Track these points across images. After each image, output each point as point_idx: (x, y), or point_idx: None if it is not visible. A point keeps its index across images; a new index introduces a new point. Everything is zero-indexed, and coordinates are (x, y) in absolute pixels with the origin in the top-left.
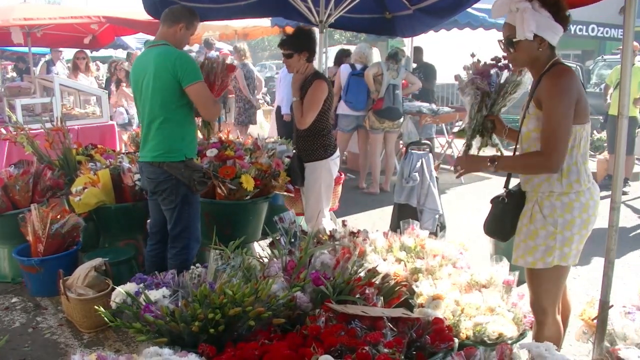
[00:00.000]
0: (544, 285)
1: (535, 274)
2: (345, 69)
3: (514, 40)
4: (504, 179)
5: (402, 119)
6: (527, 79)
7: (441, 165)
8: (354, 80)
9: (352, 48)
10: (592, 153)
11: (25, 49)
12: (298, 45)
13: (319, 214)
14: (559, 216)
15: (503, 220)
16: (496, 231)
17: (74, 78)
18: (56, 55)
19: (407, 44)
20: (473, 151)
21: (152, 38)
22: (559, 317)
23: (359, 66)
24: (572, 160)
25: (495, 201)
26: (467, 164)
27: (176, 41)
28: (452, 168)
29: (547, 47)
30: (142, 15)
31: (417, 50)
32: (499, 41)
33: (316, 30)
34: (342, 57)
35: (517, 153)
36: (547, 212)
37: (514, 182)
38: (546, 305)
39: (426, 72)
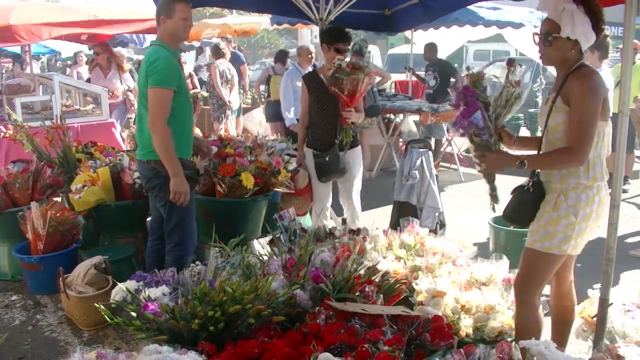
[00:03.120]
0: (541, 269)
1: (541, 257)
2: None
3: (554, 35)
4: (505, 177)
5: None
6: (524, 91)
7: (441, 163)
8: None
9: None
10: None
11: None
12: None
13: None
14: (581, 208)
15: (526, 208)
16: (518, 218)
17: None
18: (24, 55)
19: (417, 42)
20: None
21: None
22: (539, 303)
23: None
24: (597, 153)
25: (519, 190)
26: (496, 161)
27: (168, 35)
28: (474, 160)
29: (578, 50)
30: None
31: (430, 48)
32: (534, 34)
33: (316, 28)
34: (284, 56)
35: (543, 145)
36: (571, 202)
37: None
38: (532, 286)
39: (442, 70)
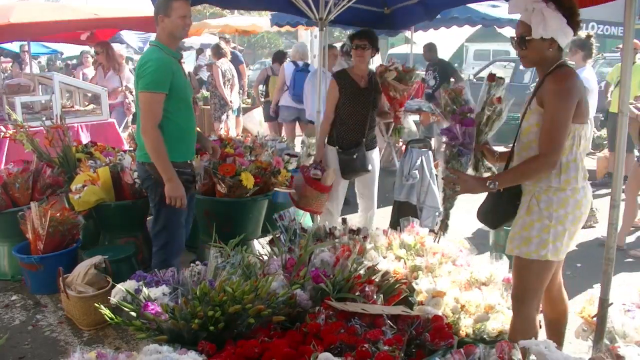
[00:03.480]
0: (530, 277)
1: (525, 265)
2: (288, 67)
3: (527, 38)
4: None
5: None
6: (506, 108)
7: None
8: (299, 75)
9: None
10: (593, 151)
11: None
12: (373, 42)
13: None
14: (554, 210)
15: (496, 209)
16: (488, 219)
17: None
18: (23, 55)
19: (417, 42)
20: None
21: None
22: (536, 314)
23: (300, 63)
24: (572, 157)
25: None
26: (469, 185)
27: (167, 34)
28: (445, 181)
29: (557, 48)
30: (145, 12)
31: (429, 48)
32: (512, 38)
33: (316, 28)
34: (282, 57)
35: (515, 146)
36: (543, 205)
37: None
38: (527, 296)
39: (442, 69)
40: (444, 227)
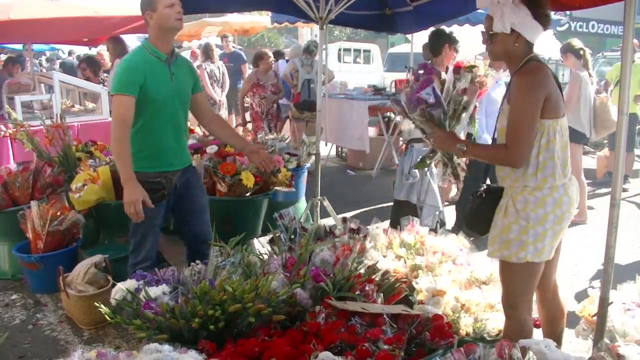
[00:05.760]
0: (515, 281)
1: (508, 268)
2: (282, 64)
3: (491, 32)
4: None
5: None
6: (472, 101)
7: None
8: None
9: (352, 45)
10: (593, 150)
11: (18, 47)
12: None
13: None
14: (531, 210)
15: (481, 215)
16: (474, 226)
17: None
18: (28, 53)
19: (415, 41)
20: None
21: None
22: (528, 317)
23: None
24: (549, 154)
25: (474, 196)
26: (440, 140)
27: (157, 30)
28: (423, 136)
29: (524, 43)
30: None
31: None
32: (482, 32)
33: (316, 27)
34: (279, 56)
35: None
36: (520, 206)
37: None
38: (515, 301)
39: None
40: (456, 176)
